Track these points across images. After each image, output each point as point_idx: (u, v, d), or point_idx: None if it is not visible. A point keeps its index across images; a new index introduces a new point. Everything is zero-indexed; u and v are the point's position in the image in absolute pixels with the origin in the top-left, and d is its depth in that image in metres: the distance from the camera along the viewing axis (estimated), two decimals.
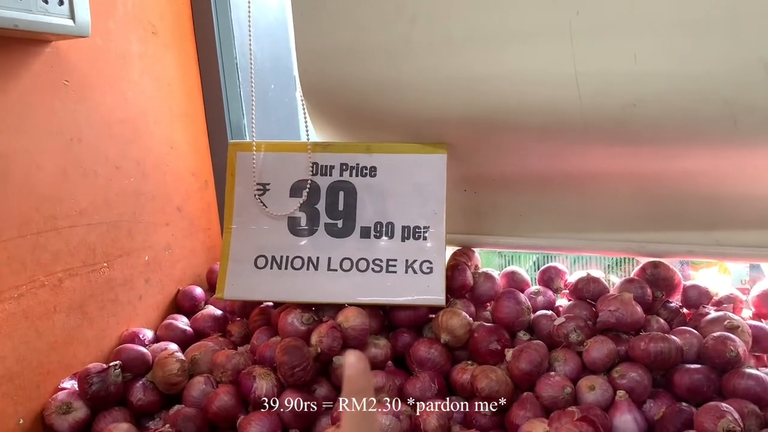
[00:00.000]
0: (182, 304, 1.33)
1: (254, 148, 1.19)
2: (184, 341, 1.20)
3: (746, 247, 1.11)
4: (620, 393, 0.96)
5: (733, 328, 1.02)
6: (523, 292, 1.21)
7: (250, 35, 1.17)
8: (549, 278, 1.24)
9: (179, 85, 1.36)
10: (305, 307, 1.13)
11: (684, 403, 0.94)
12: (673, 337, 1.00)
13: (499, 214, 1.28)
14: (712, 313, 1.07)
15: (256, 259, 1.16)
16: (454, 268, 1.20)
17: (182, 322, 1.26)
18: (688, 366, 0.98)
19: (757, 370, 0.98)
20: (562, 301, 1.23)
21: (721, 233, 1.13)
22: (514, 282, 1.25)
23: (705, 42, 0.95)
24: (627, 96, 1.00)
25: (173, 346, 1.16)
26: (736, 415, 0.86)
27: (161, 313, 1.30)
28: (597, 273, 1.20)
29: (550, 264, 1.26)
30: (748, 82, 0.95)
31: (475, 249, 1.29)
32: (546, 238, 1.26)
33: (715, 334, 1.00)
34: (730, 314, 1.05)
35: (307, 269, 1.14)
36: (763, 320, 1.12)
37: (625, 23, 0.98)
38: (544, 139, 1.10)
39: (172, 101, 1.34)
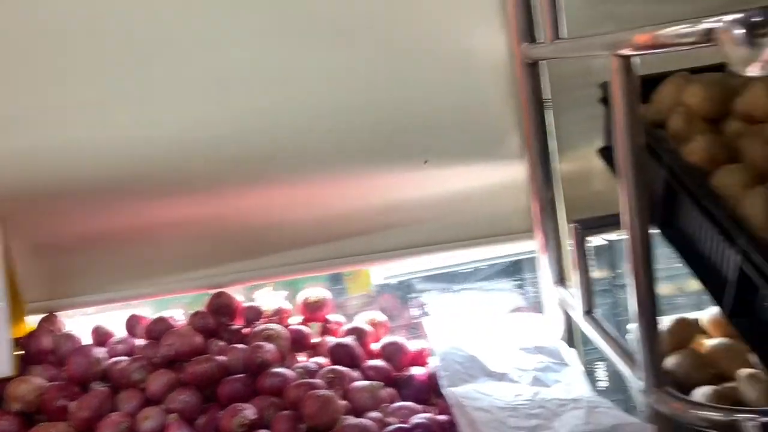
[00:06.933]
0: None
1: None
2: None
3: (284, 266, 1.35)
4: (170, 416, 1.09)
5: (270, 337, 1.22)
6: (106, 344, 1.29)
7: None
8: (131, 326, 1.34)
9: None
10: None
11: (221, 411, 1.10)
12: (216, 357, 1.17)
13: (82, 274, 1.35)
14: (258, 327, 1.26)
15: None
16: (30, 336, 1.24)
17: None
18: (228, 378, 1.15)
19: (289, 367, 1.19)
20: None
21: (265, 258, 1.34)
22: (100, 335, 1.32)
23: (196, 107, 1.16)
24: (139, 158, 1.16)
25: None
26: (249, 412, 1.04)
27: None
28: (171, 312, 1.33)
29: (131, 314, 1.35)
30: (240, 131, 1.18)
31: (60, 312, 1.34)
32: (130, 290, 1.36)
33: (253, 345, 1.19)
34: (270, 325, 1.26)
35: None
36: (310, 324, 1.35)
37: (140, 96, 1.15)
38: (100, 200, 1.23)
39: None
